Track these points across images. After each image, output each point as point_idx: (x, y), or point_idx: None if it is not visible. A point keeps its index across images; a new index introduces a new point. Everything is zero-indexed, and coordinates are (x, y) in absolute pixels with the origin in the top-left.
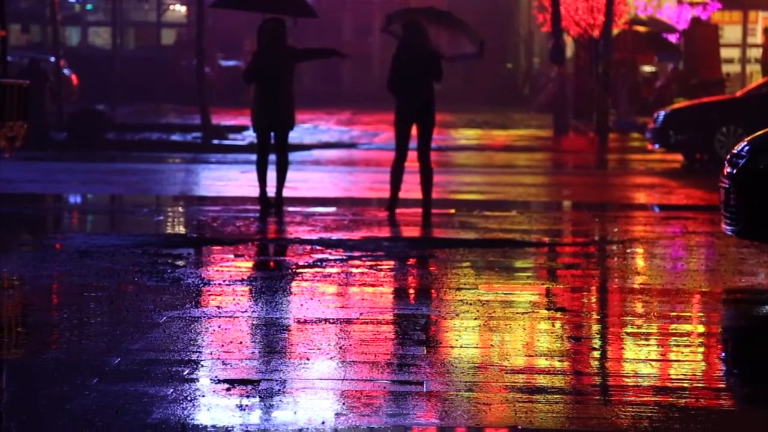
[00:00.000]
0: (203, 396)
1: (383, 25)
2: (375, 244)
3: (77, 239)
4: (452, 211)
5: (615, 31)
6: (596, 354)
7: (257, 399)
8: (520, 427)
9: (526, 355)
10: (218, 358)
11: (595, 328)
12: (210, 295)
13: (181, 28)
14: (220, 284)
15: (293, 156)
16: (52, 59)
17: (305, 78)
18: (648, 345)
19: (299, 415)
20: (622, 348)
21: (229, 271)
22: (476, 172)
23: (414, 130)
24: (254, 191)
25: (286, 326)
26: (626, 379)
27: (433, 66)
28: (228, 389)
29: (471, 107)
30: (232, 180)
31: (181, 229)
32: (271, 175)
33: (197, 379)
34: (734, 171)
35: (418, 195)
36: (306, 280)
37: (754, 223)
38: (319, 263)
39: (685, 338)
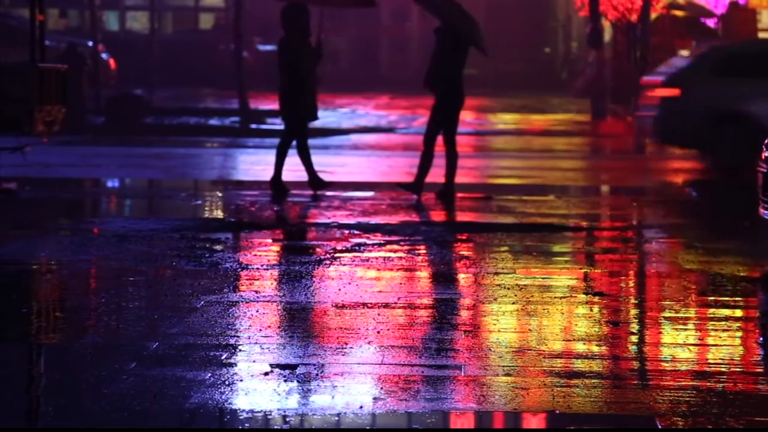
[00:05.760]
0: (241, 380)
1: None
2: (413, 228)
3: (115, 223)
4: (490, 195)
5: (653, 15)
6: (634, 338)
7: (295, 383)
8: (558, 411)
9: (564, 340)
10: (256, 343)
11: (633, 312)
12: (248, 279)
13: (219, 12)
14: (258, 269)
15: (331, 140)
16: (90, 43)
17: (342, 62)
18: (686, 329)
19: (337, 400)
20: (660, 332)
21: (267, 256)
22: (514, 157)
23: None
24: (291, 176)
25: (323, 311)
26: (664, 363)
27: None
28: (266, 374)
29: (509, 91)
30: (270, 164)
31: (219, 214)
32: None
33: (235, 364)
34: None
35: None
36: (344, 265)
37: None
38: (357, 247)
39: (723, 323)
